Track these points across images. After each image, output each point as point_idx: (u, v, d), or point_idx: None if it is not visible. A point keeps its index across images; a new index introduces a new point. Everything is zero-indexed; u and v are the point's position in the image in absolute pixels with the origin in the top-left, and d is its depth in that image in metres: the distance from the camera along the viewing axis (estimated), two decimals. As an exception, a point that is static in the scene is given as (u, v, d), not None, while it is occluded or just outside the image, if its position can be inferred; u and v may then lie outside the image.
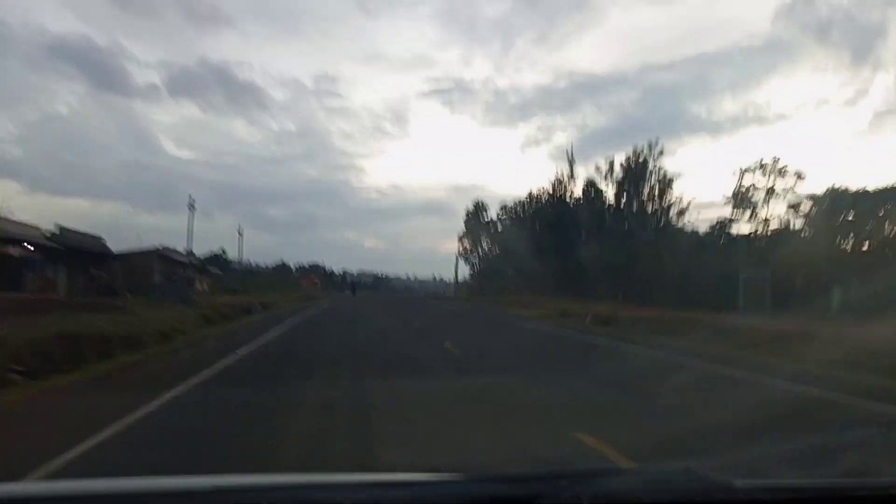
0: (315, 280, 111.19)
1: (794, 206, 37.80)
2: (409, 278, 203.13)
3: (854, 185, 33.86)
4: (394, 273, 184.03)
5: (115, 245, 45.11)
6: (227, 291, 54.65)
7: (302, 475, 1.79)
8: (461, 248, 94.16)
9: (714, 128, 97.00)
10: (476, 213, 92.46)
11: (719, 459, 4.60)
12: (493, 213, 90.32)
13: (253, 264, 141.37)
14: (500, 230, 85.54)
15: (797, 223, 38.09)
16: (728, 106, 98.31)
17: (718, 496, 1.54)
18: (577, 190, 61.72)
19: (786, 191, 38.94)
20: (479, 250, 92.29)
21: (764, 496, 1.56)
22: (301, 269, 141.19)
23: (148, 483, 1.54)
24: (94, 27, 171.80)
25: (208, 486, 1.51)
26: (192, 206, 49.82)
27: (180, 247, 52.19)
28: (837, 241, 32.90)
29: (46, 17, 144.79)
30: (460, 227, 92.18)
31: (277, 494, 1.56)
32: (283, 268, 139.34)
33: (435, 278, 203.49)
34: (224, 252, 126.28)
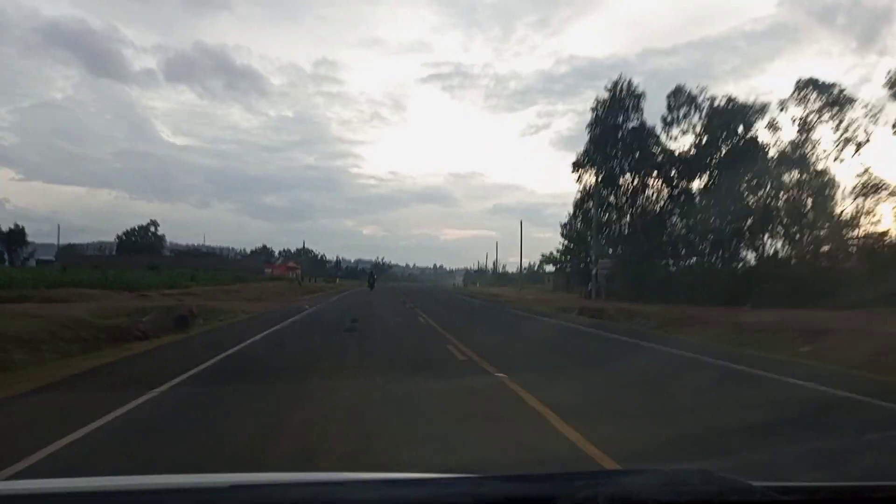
0: (293, 266, 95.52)
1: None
2: (408, 266, 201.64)
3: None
4: (393, 261, 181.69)
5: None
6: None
7: (317, 473, 1.78)
8: (580, 190, 40.94)
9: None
10: (614, 108, 38.06)
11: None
12: (654, 108, 35.85)
13: (224, 248, 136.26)
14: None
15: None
16: (731, 91, 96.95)
17: (735, 497, 1.54)
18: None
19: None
20: (622, 194, 38.54)
21: (781, 497, 1.56)
22: (285, 254, 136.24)
23: (164, 480, 1.51)
24: (88, 11, 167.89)
25: (226, 484, 1.49)
26: None
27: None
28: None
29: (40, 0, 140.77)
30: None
31: (294, 491, 1.55)
32: (263, 253, 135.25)
33: (436, 267, 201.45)
34: (154, 226, 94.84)
